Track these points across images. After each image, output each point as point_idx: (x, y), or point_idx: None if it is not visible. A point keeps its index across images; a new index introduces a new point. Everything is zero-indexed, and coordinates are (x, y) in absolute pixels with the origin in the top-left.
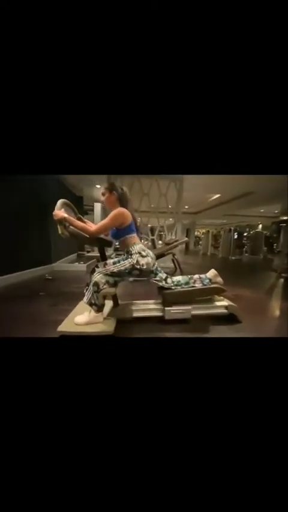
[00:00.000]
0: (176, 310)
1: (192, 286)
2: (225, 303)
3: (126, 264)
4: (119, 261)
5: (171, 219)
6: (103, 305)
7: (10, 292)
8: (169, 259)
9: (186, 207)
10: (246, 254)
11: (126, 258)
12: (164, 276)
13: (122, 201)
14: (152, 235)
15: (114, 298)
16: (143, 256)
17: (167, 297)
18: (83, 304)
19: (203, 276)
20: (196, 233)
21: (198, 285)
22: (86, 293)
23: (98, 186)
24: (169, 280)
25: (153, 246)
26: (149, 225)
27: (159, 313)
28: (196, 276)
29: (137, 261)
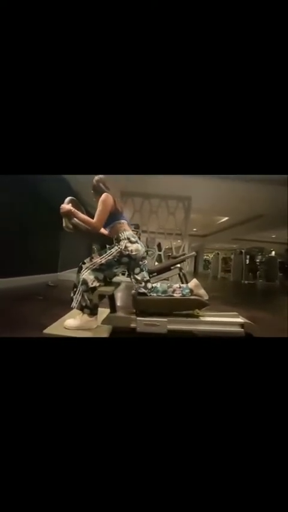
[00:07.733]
0: (149, 322)
1: (170, 296)
2: (240, 319)
3: (113, 251)
4: (105, 252)
5: (179, 241)
6: (97, 306)
7: (8, 295)
8: (176, 276)
9: (195, 229)
10: (260, 280)
11: (113, 247)
12: (146, 277)
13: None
14: (159, 250)
15: (112, 303)
16: (131, 242)
17: (139, 303)
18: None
19: (183, 285)
20: (205, 257)
21: (176, 295)
22: (74, 296)
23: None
24: (149, 285)
25: (160, 261)
26: (157, 240)
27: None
28: (176, 285)
29: (125, 247)
